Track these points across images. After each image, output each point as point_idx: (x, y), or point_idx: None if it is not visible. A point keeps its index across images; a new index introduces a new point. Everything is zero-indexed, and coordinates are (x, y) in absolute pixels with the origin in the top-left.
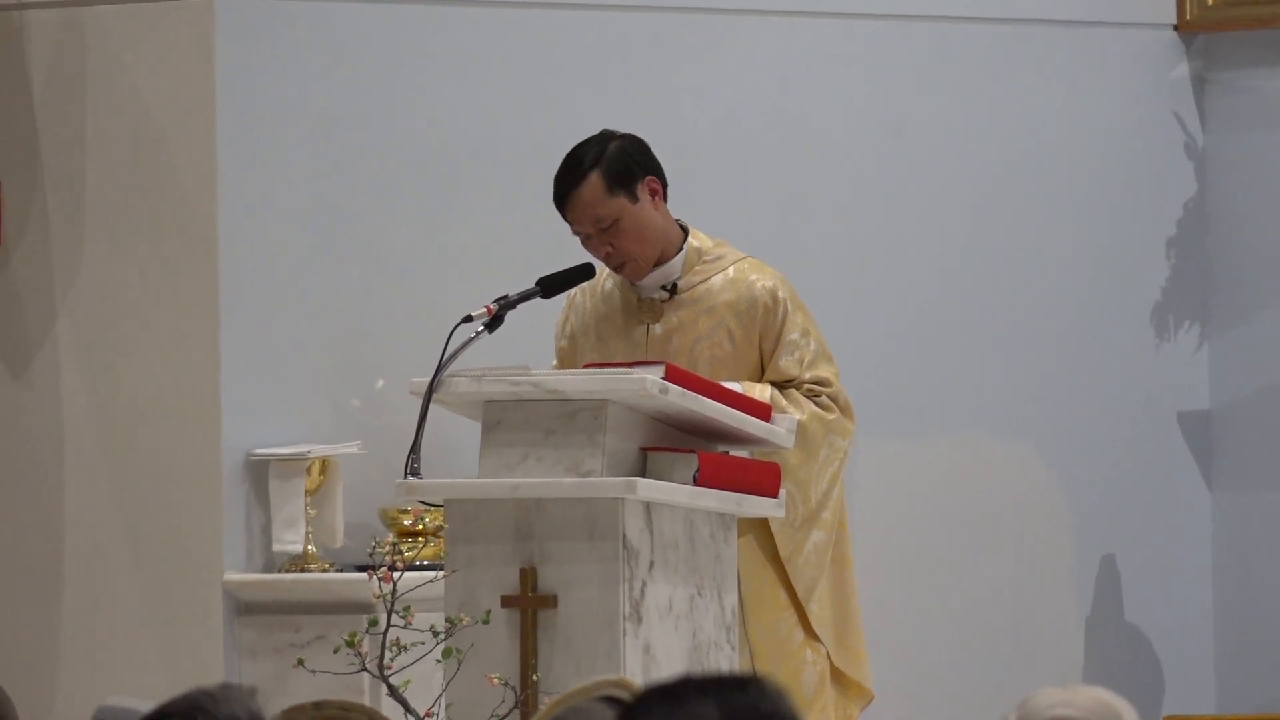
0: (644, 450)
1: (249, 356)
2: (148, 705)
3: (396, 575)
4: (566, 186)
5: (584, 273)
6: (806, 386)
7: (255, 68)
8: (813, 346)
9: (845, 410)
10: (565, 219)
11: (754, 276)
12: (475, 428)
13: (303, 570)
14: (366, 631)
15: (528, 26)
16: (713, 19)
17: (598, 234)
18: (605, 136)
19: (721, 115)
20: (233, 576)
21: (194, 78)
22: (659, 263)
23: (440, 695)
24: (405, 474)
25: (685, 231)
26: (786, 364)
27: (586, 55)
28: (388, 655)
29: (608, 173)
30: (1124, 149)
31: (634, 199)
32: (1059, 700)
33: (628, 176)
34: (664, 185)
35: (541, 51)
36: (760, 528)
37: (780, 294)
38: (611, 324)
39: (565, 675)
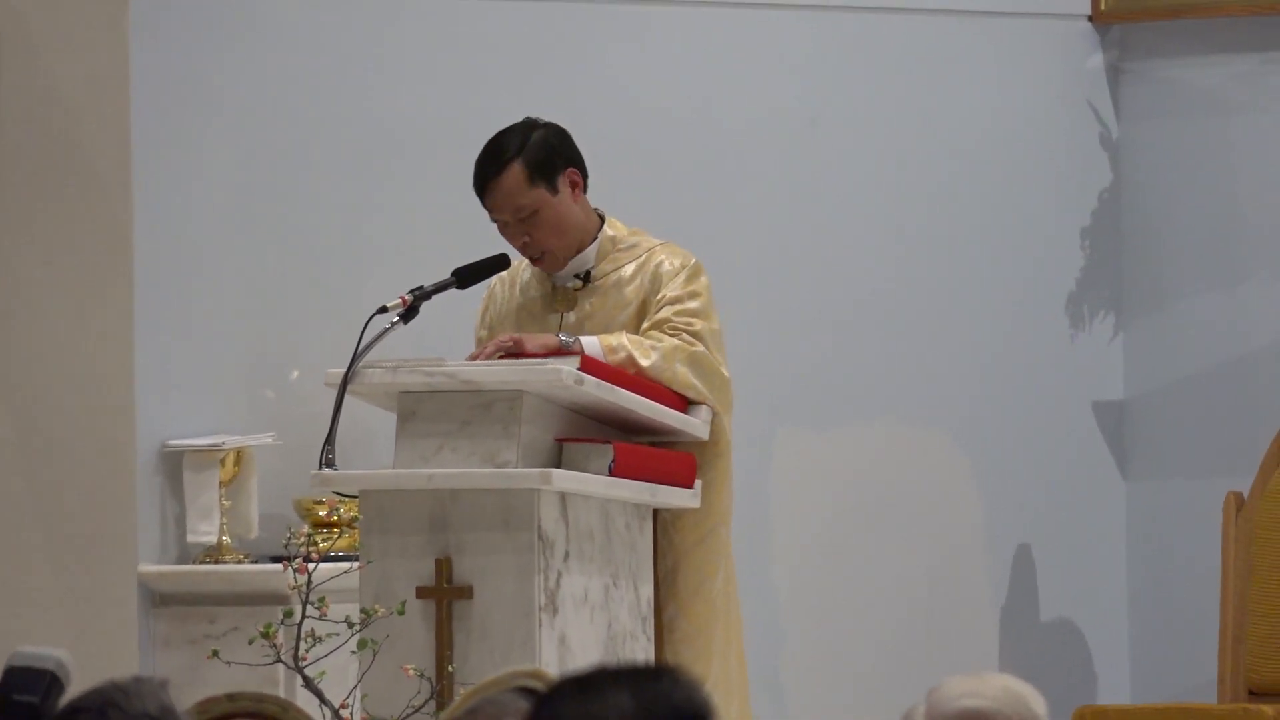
0: (560, 441)
1: (163, 346)
2: (61, 652)
3: (311, 566)
4: (487, 175)
5: (499, 263)
6: (669, 325)
7: (171, 51)
8: (694, 305)
9: (713, 354)
10: (484, 205)
11: (663, 256)
12: (391, 419)
13: (217, 561)
14: (281, 623)
15: (448, 16)
16: (633, 9)
17: (516, 223)
18: (529, 125)
19: (642, 104)
20: (147, 568)
21: (107, 60)
22: (574, 252)
23: (355, 686)
24: (320, 465)
25: (603, 220)
26: (663, 313)
27: (506, 45)
28: (303, 646)
29: (529, 163)
30: (1039, 139)
31: (554, 190)
32: (968, 689)
33: (549, 168)
34: (585, 176)
35: (461, 41)
36: None
37: (682, 265)
38: (528, 313)
39: (481, 666)
